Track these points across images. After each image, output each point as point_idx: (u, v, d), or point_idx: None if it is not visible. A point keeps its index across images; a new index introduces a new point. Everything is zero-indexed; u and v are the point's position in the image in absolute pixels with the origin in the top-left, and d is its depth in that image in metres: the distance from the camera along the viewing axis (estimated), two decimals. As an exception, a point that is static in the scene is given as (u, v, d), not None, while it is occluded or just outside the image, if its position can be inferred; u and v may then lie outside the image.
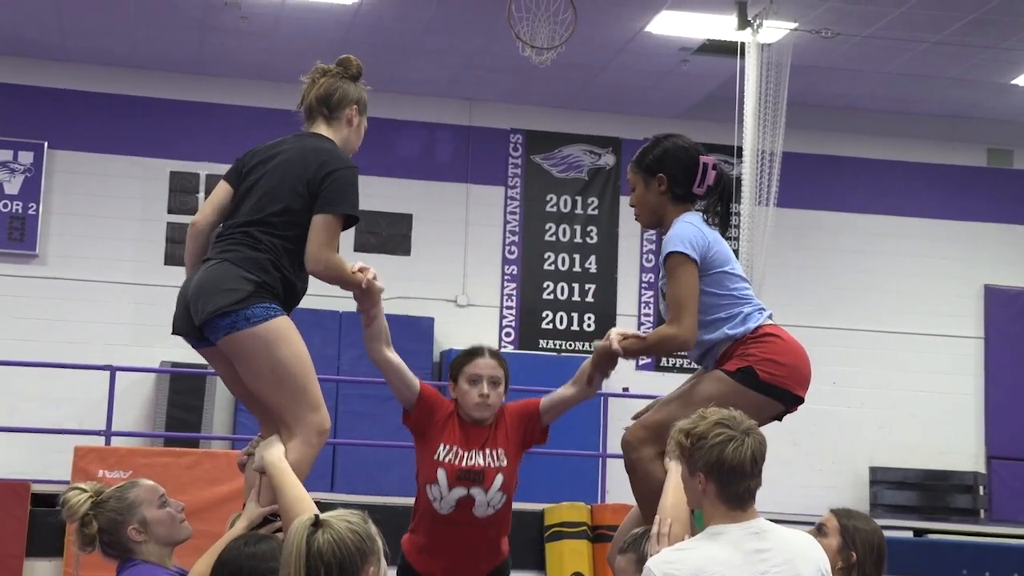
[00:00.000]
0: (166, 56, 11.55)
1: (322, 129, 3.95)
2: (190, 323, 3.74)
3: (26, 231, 11.67)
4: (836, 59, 11.17)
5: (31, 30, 11.21)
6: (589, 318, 12.62)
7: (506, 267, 12.57)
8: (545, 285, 12.60)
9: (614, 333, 3.96)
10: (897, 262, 13.04)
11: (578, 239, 12.72)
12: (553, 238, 12.69)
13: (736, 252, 9.70)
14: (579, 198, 12.76)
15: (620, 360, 4.01)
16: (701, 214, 4.05)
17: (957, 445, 12.90)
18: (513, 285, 12.56)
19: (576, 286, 12.65)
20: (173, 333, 3.87)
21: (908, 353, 12.88)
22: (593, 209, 12.76)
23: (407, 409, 4.44)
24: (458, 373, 4.44)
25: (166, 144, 11.78)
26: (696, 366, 4.09)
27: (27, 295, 11.64)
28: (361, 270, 3.90)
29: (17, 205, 11.69)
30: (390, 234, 12.30)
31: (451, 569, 4.43)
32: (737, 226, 10.13)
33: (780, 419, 3.95)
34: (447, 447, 4.37)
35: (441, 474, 4.35)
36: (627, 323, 12.61)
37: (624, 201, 12.56)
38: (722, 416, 3.24)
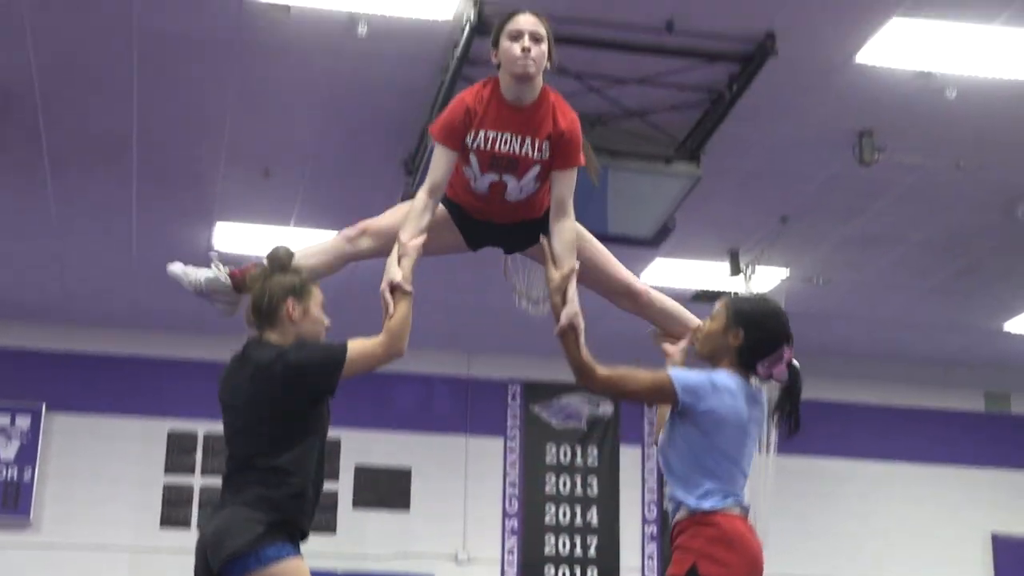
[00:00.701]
0: (166, 316, 11.67)
1: (269, 336, 3.88)
2: (206, 570, 3.73)
3: (20, 497, 11.55)
4: (829, 305, 11.31)
5: (33, 294, 11.37)
6: (592, 572, 12.39)
7: (506, 520, 12.41)
8: (546, 538, 12.41)
9: (565, 324, 3.90)
10: (900, 509, 12.90)
11: (579, 491, 12.60)
12: (553, 490, 12.57)
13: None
14: (579, 448, 12.70)
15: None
16: (751, 384, 3.99)
17: None
18: (514, 539, 12.38)
19: (578, 539, 12.46)
20: None
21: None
22: (593, 460, 12.69)
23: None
24: (499, 33, 4.09)
25: (164, 403, 11.81)
26: None
27: (20, 564, 11.42)
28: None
29: (12, 471, 11.61)
30: (389, 489, 12.19)
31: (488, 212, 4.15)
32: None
33: None
34: (482, 133, 4.03)
35: (474, 159, 4.03)
36: (631, 576, 12.41)
37: (624, 450, 12.52)
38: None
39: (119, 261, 10.55)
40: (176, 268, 4.03)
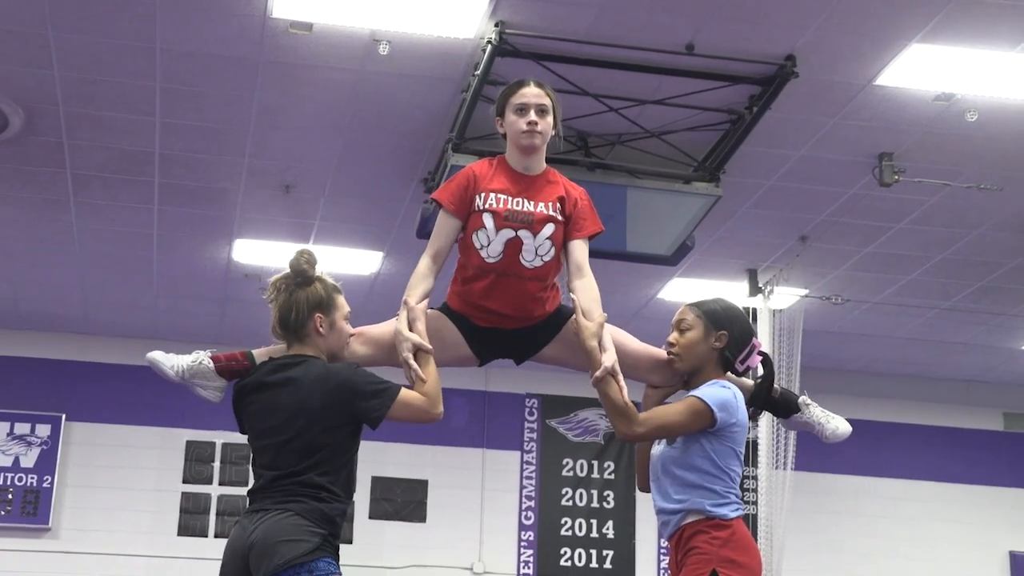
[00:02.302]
0: (186, 327, 11.74)
1: (301, 350, 3.89)
2: (242, 575, 3.68)
3: (39, 505, 11.62)
4: (847, 324, 11.31)
5: (55, 306, 11.44)
6: (608, 586, 12.39)
7: (523, 533, 12.42)
8: (563, 551, 12.41)
9: (609, 367, 3.93)
10: (918, 527, 12.86)
11: (595, 504, 12.60)
12: (570, 503, 12.57)
13: (754, 517, 9.70)
14: (595, 462, 12.70)
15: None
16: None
17: None
18: (530, 552, 12.38)
19: (594, 552, 12.46)
20: None
21: (934, 621, 12.58)
22: (609, 473, 12.69)
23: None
24: (504, 105, 4.13)
25: (182, 413, 11.84)
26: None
27: (39, 571, 11.48)
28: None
29: (32, 478, 11.68)
30: (405, 500, 12.20)
31: (496, 315, 4.10)
32: (755, 490, 10.05)
33: None
34: (493, 195, 4.05)
35: (488, 218, 4.02)
36: (647, 592, 12.40)
37: (641, 466, 12.50)
38: None
39: (140, 275, 10.60)
40: (156, 355, 3.97)
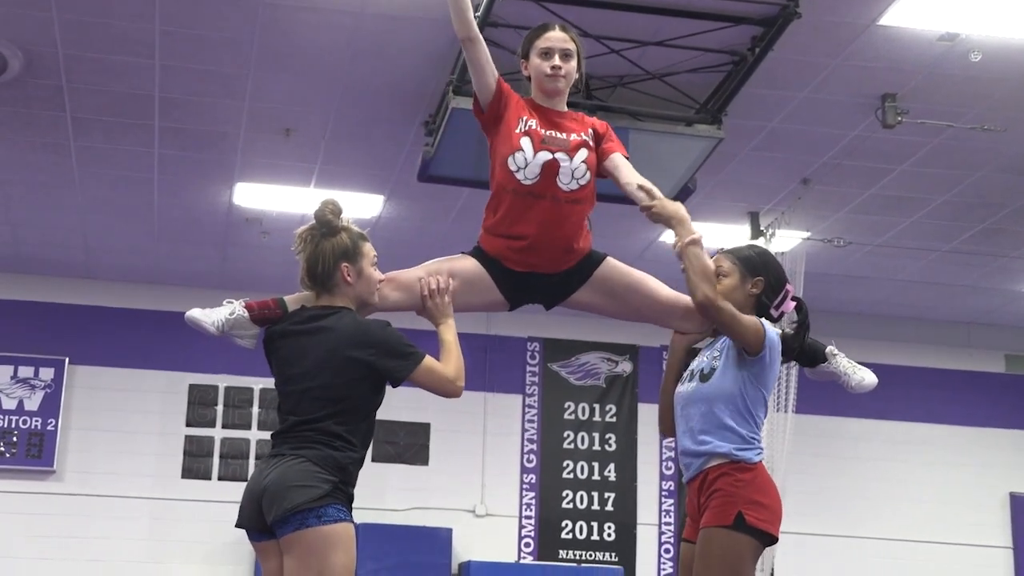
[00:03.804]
0: (188, 272, 11.74)
1: (331, 300, 3.92)
2: (257, 517, 3.75)
3: (44, 448, 11.68)
4: (849, 267, 11.30)
5: (56, 251, 11.44)
6: (609, 527, 12.46)
7: (524, 476, 12.48)
8: (564, 494, 12.48)
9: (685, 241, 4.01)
10: (919, 470, 12.90)
11: (597, 447, 12.65)
12: (571, 446, 12.62)
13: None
14: (597, 406, 12.74)
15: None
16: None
17: (988, 656, 12.57)
18: (532, 494, 12.45)
19: (595, 495, 12.52)
20: (237, 526, 3.87)
21: (933, 563, 12.63)
22: (611, 416, 12.73)
23: (482, 101, 4.18)
24: (528, 48, 4.23)
25: (186, 357, 11.86)
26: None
27: (44, 512, 11.56)
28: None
29: (36, 421, 11.73)
30: (408, 444, 12.26)
31: (528, 247, 4.12)
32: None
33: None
34: (528, 120, 4.14)
35: (525, 141, 4.09)
36: (648, 532, 12.46)
37: (643, 408, 12.55)
38: None
39: (141, 218, 10.59)
40: (195, 313, 3.95)
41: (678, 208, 4.07)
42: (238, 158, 9.29)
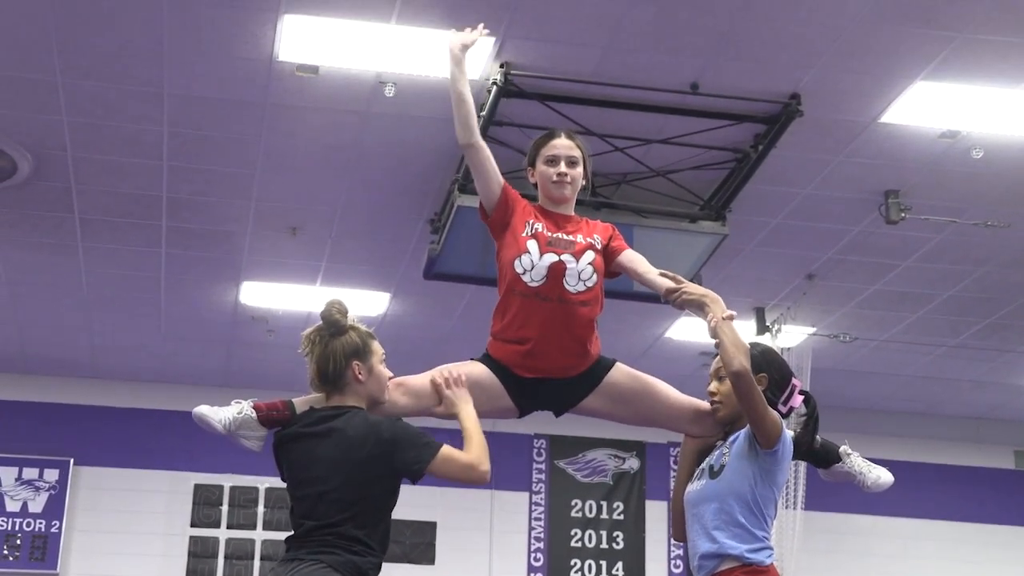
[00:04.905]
0: (193, 370, 11.74)
1: (342, 400, 3.89)
2: None
3: (48, 550, 11.58)
4: (856, 362, 11.28)
5: (63, 351, 11.45)
6: (618, 628, 12.31)
7: (532, 575, 12.35)
8: (572, 594, 12.35)
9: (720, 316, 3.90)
10: (930, 566, 12.77)
11: (604, 545, 12.53)
12: (579, 544, 12.51)
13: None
14: (604, 503, 12.64)
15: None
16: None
17: None
18: (540, 594, 12.33)
19: (604, 594, 12.39)
20: None
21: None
22: (619, 514, 12.63)
23: (487, 207, 4.17)
24: (535, 156, 4.22)
25: (191, 457, 11.82)
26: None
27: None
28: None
29: (40, 523, 11.65)
30: (414, 543, 12.16)
31: (536, 352, 4.06)
32: (765, 531, 10.00)
33: None
34: (535, 224, 4.12)
35: (532, 243, 4.07)
36: (657, 633, 12.31)
37: (651, 505, 12.46)
38: None
39: (147, 318, 10.61)
40: (203, 409, 3.92)
41: (707, 289, 4.07)
42: (244, 257, 9.33)
